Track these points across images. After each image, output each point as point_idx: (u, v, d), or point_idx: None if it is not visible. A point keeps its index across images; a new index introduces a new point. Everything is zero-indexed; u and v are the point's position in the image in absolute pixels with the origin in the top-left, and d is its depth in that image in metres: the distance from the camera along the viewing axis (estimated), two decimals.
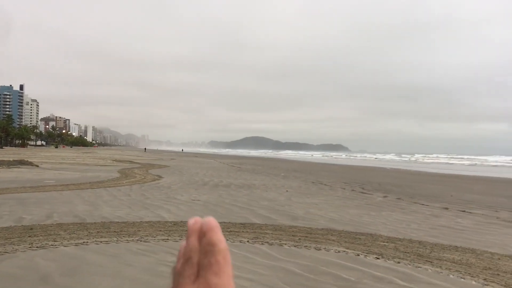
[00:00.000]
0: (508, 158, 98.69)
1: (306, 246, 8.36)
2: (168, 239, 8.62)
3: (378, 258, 7.56)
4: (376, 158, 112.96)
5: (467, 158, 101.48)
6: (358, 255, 7.77)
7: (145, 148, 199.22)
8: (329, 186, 23.15)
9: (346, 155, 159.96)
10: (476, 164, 76.62)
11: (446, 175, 41.18)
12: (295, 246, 8.34)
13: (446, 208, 15.37)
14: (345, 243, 8.78)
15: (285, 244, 8.48)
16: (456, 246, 8.85)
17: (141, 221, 10.60)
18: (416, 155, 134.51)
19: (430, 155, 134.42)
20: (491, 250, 8.63)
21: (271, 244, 8.40)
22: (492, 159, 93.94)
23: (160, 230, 9.47)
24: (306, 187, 22.35)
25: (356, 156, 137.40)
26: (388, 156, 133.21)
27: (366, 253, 7.94)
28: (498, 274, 6.74)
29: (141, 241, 8.40)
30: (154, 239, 8.56)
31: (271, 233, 9.51)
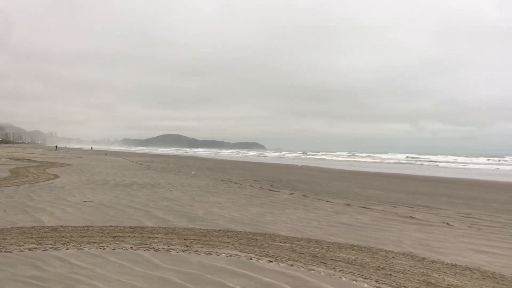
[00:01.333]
0: (407, 155, 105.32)
1: (197, 250, 7.65)
2: (36, 248, 7.46)
3: (271, 261, 7.04)
4: (290, 156, 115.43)
5: (372, 156, 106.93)
6: (251, 258, 7.20)
7: (56, 146, 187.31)
8: (238, 184, 22.67)
9: (258, 153, 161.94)
10: (378, 161, 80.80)
11: (352, 171, 42.65)
12: (184, 251, 7.59)
13: (349, 205, 15.47)
14: (240, 245, 8.19)
15: (174, 249, 7.69)
16: (352, 245, 8.62)
17: (12, 227, 9.24)
18: (325, 153, 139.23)
19: (335, 153, 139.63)
20: (386, 248, 8.50)
21: (157, 250, 7.57)
22: (394, 157, 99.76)
23: (31, 238, 8.25)
24: (214, 185, 21.67)
25: (271, 154, 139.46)
26: (295, 154, 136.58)
27: (260, 256, 7.39)
28: (390, 275, 6.49)
29: (1, 251, 7.17)
30: (19, 249, 7.36)
31: (161, 237, 8.67)
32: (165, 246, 7.88)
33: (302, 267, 6.76)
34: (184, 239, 8.61)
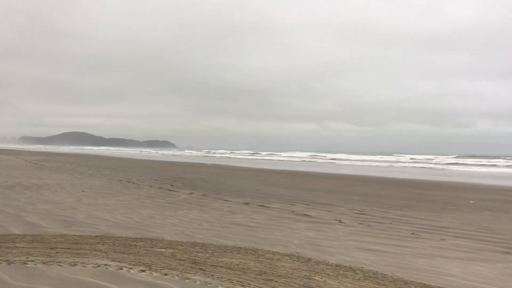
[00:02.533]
0: (311, 154, 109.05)
1: (60, 261, 6.69)
2: None
3: (143, 271, 6.31)
4: (199, 155, 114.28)
5: (275, 154, 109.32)
6: (121, 268, 6.41)
7: None
8: (136, 184, 21.49)
9: (168, 151, 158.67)
10: (284, 159, 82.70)
11: (258, 170, 42.89)
12: (44, 263, 6.60)
13: (247, 204, 15.13)
14: (114, 253, 7.35)
15: (32, 261, 6.66)
16: (239, 248, 8.15)
17: None
18: (233, 151, 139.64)
19: (242, 151, 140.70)
20: (274, 249, 8.14)
21: (10, 263, 6.50)
22: (299, 155, 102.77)
23: None
24: (109, 186, 20.30)
25: (183, 152, 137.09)
26: (203, 152, 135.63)
27: (133, 265, 6.63)
28: (271, 280, 6.07)
29: None
30: None
31: (23, 247, 7.55)
32: (23, 258, 6.81)
33: (177, 276, 6.12)
34: (51, 248, 7.57)
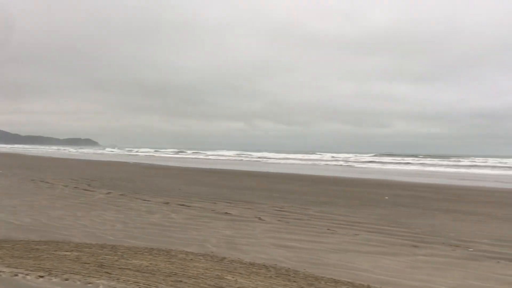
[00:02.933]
0: (238, 152, 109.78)
1: None
2: None
3: (41, 277, 5.83)
4: (123, 153, 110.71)
5: (201, 153, 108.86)
6: (16, 275, 5.88)
7: None
8: (50, 184, 20.24)
9: (89, 149, 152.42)
10: (213, 158, 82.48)
11: (183, 168, 42.26)
12: None
13: (167, 203, 14.73)
14: (11, 258, 6.75)
15: None
16: (152, 249, 7.84)
17: None
18: (158, 150, 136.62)
19: (169, 149, 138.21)
20: (188, 249, 7.91)
21: None
22: (227, 153, 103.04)
23: None
24: (19, 186, 18.95)
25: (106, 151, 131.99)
26: (123, 150, 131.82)
27: (31, 270, 6.11)
28: (181, 281, 5.85)
29: None
30: None
31: None
32: None
33: (79, 281, 5.71)
34: None
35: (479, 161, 72.03)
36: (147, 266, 6.53)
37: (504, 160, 72.69)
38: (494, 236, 10.38)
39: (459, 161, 72.14)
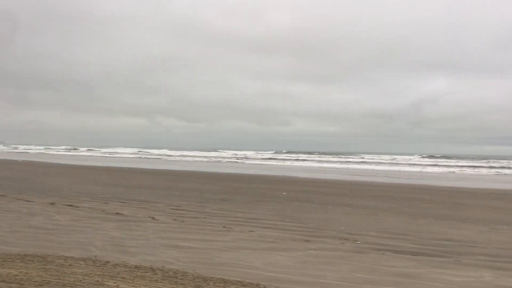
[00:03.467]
0: (137, 149, 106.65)
1: None
2: None
3: None
4: (9, 151, 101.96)
5: (101, 151, 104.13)
6: None
7: None
8: None
9: None
10: (111, 156, 79.15)
11: (76, 166, 39.85)
12: None
13: (53, 203, 13.58)
14: None
15: None
16: (25, 255, 7.03)
17: None
18: (49, 147, 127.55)
19: (61, 147, 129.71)
20: (68, 254, 7.23)
21: None
22: (125, 151, 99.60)
23: None
24: None
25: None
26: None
27: None
28: None
29: None
30: None
31: None
32: None
33: None
34: None
35: (369, 158, 77.23)
36: (15, 276, 5.80)
37: (393, 157, 78.68)
38: (380, 228, 10.91)
39: (352, 158, 76.75)
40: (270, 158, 73.57)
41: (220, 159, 70.14)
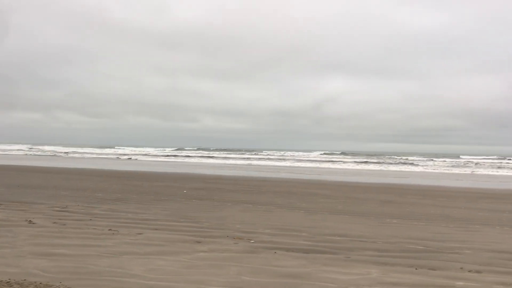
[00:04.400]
0: (29, 146, 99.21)
1: None
2: None
3: None
4: None
5: None
6: None
7: None
8: None
9: None
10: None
11: None
12: None
13: None
14: None
15: None
16: None
17: None
18: None
19: None
20: None
21: None
22: (15, 147, 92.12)
23: None
24: None
25: None
26: None
27: None
28: None
29: None
30: None
31: None
32: None
33: None
34: None
35: (273, 154, 78.87)
36: None
37: (296, 153, 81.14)
38: (276, 225, 10.74)
39: (256, 154, 77.87)
40: (175, 155, 72.11)
41: (118, 156, 67.34)
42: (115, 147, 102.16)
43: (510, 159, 67.11)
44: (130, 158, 64.07)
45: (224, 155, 73.55)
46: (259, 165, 52.76)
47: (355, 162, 60.16)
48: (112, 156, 69.43)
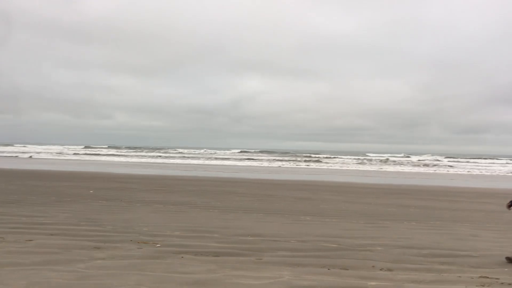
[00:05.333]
0: None
1: None
2: None
3: None
4: None
5: None
6: None
7: None
8: None
9: None
10: None
11: None
12: None
13: None
14: None
15: None
16: None
17: None
18: None
19: None
20: None
21: None
22: None
23: None
24: None
25: None
26: None
27: None
28: None
29: None
30: None
31: None
32: None
33: None
34: None
35: (188, 152, 77.74)
36: None
37: (213, 151, 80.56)
38: (187, 227, 10.13)
39: (171, 152, 76.27)
40: (86, 154, 68.42)
41: (18, 154, 62.60)
42: (14, 145, 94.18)
43: (410, 156, 71.71)
44: (31, 157, 59.82)
45: (136, 153, 71.08)
46: (174, 164, 51.55)
47: (273, 159, 60.94)
48: (9, 155, 64.28)
